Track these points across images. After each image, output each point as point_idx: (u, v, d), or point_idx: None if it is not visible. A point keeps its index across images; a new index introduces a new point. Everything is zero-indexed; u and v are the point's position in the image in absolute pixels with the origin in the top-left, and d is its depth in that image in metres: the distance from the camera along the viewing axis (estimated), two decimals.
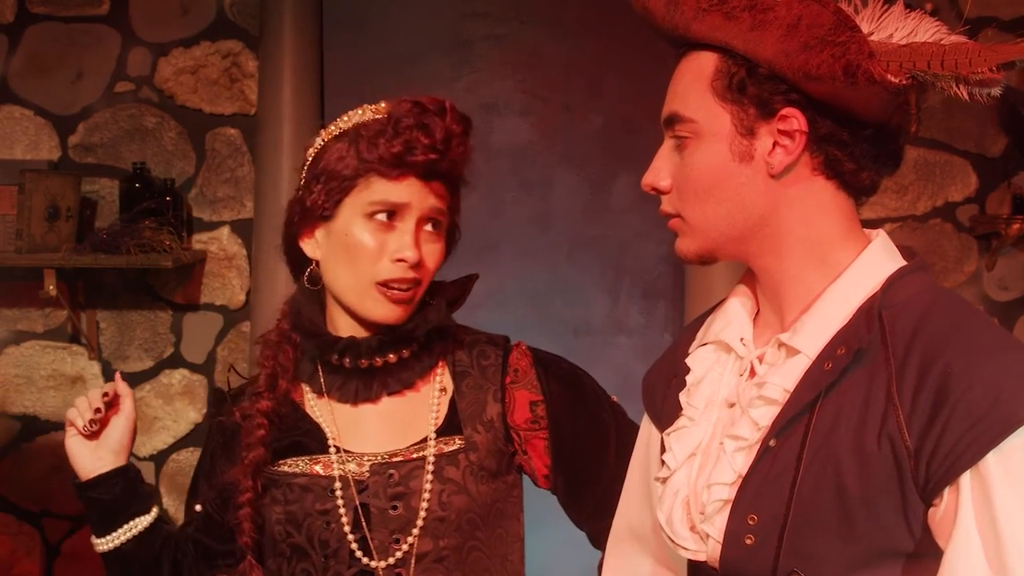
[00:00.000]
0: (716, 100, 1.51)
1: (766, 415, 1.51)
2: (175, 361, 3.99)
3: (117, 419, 1.97)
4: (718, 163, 1.52)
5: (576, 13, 3.92)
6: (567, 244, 3.92)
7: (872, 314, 1.46)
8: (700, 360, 1.66)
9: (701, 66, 1.53)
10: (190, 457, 3.98)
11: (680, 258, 1.61)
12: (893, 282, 1.50)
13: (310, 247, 1.91)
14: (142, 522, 1.98)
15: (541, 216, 3.98)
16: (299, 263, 1.96)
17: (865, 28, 1.47)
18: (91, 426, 1.93)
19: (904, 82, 1.44)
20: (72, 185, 3.76)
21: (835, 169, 1.52)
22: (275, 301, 3.65)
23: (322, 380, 1.94)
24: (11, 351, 3.97)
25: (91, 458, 1.95)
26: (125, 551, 1.97)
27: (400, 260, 1.83)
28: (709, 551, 1.54)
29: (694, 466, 1.59)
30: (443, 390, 1.95)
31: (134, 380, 3.96)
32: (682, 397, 1.64)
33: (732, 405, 1.59)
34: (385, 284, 1.84)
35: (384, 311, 1.86)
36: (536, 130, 3.96)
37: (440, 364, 1.96)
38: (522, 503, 2.01)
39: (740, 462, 1.52)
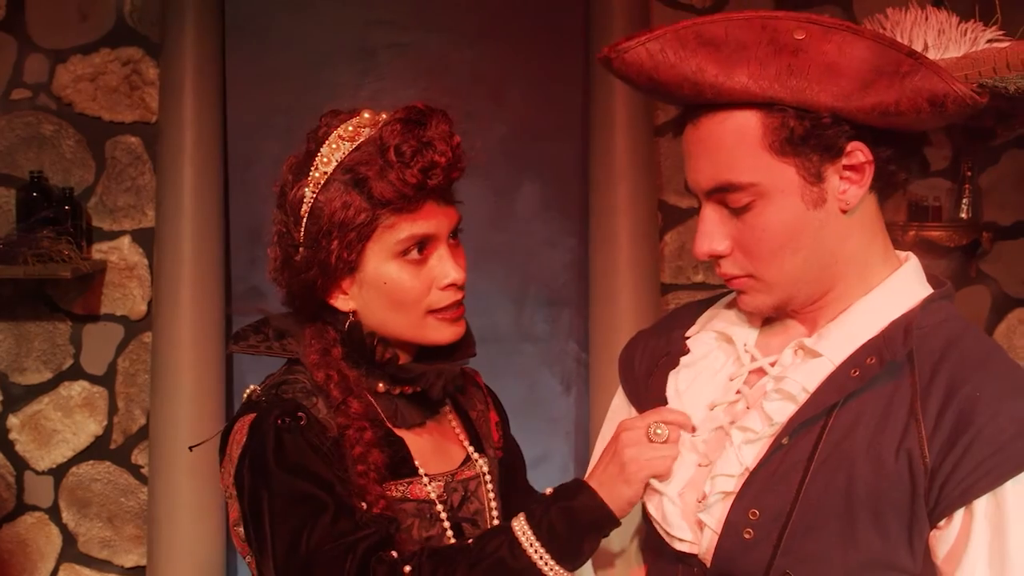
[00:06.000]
0: (774, 157, 1.45)
1: (781, 411, 1.50)
2: (75, 373, 3.92)
3: None
4: (793, 216, 1.47)
5: (480, 22, 3.93)
6: (472, 252, 3.88)
7: (910, 331, 1.45)
8: (701, 344, 1.64)
9: (740, 127, 1.45)
10: (90, 471, 3.91)
11: (753, 312, 1.57)
12: (927, 304, 1.51)
13: (342, 302, 1.78)
14: None
15: None
16: (316, 312, 1.82)
17: (920, 47, 1.43)
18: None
19: (982, 96, 1.40)
20: None
21: (886, 181, 1.50)
22: (177, 311, 3.70)
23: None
24: None
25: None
26: None
27: (450, 286, 1.77)
28: (704, 543, 1.52)
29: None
30: (450, 411, 1.92)
31: (31, 392, 3.89)
32: (674, 378, 1.63)
33: (712, 408, 1.57)
34: (441, 310, 1.78)
35: (449, 333, 1.79)
36: None
37: None
38: None
39: (748, 455, 1.50)
